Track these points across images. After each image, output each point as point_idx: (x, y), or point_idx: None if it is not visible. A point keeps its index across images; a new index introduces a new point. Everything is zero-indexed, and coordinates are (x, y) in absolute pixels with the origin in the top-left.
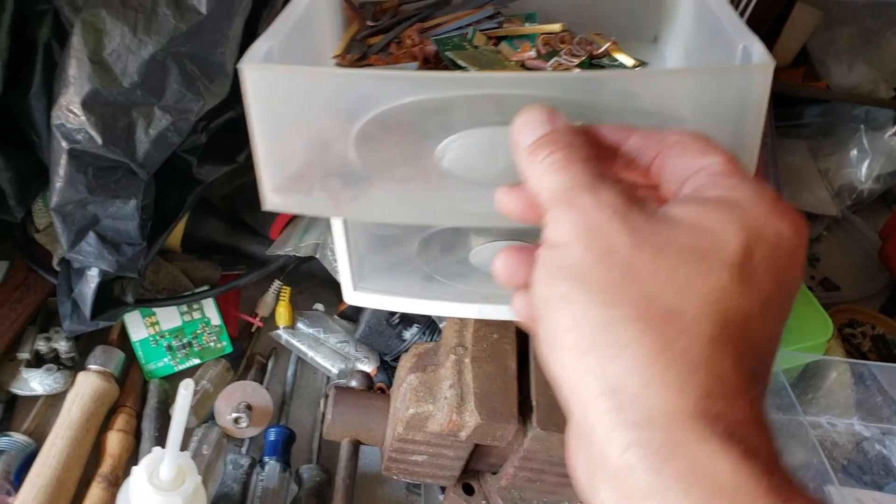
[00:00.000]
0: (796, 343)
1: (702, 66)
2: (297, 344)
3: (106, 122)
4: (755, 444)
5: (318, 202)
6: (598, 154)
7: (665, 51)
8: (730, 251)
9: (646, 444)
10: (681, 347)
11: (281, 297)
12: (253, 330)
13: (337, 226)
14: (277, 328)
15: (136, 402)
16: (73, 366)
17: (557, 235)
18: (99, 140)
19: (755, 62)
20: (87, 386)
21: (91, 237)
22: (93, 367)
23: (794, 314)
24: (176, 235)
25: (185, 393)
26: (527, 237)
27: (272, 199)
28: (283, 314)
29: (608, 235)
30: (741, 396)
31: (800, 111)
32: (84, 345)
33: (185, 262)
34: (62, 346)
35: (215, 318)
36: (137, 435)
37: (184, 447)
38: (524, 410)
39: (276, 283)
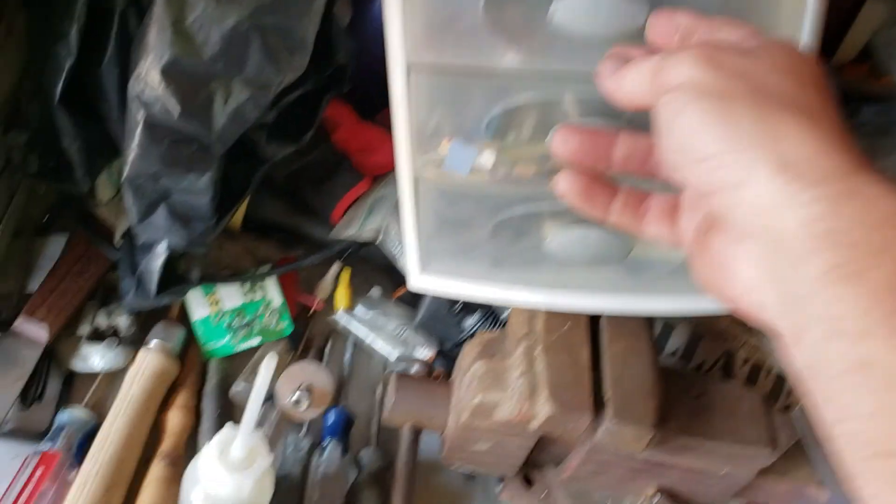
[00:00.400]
0: None
1: None
2: (356, 328)
3: (184, 92)
4: None
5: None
6: None
7: None
8: (809, 74)
9: (826, 196)
10: (826, 125)
11: (340, 281)
12: (310, 313)
13: (407, 206)
14: (335, 311)
15: (197, 380)
16: (133, 342)
17: (684, 71)
18: (176, 111)
19: None
20: (148, 363)
21: (161, 211)
22: (153, 343)
23: None
24: (237, 214)
25: (269, 365)
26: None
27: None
28: (341, 297)
29: (729, 60)
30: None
31: (857, 109)
32: (144, 321)
33: (245, 240)
34: (122, 321)
35: (277, 299)
36: (197, 414)
37: None
38: (596, 403)
39: (336, 266)
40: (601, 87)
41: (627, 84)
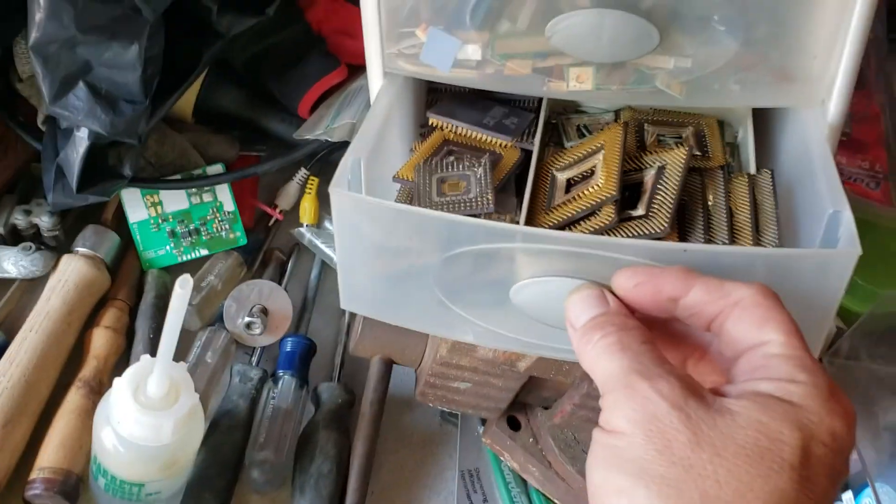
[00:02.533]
0: None
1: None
2: (322, 246)
3: None
4: None
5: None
6: (653, 332)
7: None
8: (788, 452)
9: None
10: None
11: (307, 190)
12: (271, 224)
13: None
14: (301, 225)
15: (130, 295)
16: (57, 247)
17: (615, 422)
18: None
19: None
20: (72, 271)
21: (81, 89)
22: (80, 250)
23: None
24: (187, 102)
25: (182, 293)
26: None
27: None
28: (307, 209)
29: (668, 429)
30: None
31: None
32: (72, 224)
33: (195, 134)
34: (44, 221)
35: (229, 203)
36: (129, 335)
37: (184, 353)
38: None
39: (302, 172)
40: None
41: (590, 354)
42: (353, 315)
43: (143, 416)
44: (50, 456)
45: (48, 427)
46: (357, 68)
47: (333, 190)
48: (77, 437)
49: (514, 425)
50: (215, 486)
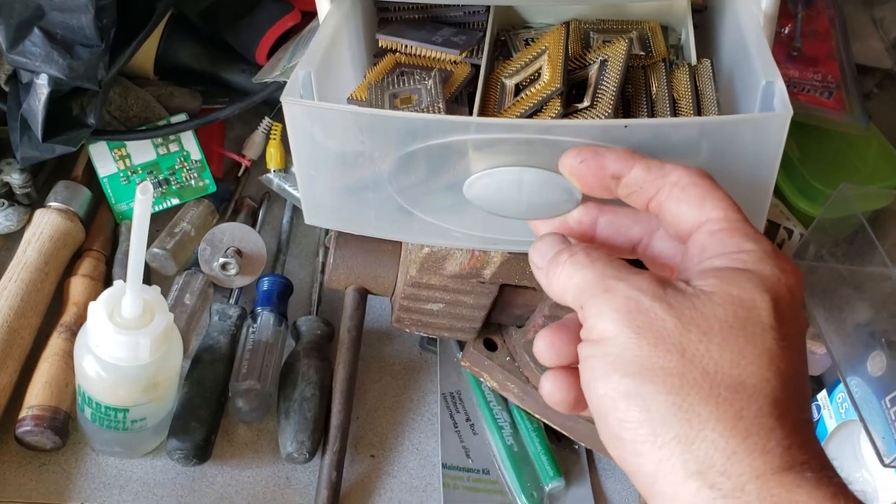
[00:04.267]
0: (867, 184)
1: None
2: (291, 190)
3: None
4: (836, 481)
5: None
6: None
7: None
8: (764, 315)
9: None
10: (753, 413)
11: (272, 136)
12: (240, 173)
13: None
14: (268, 171)
15: (106, 246)
16: (31, 203)
17: (602, 327)
18: None
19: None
20: (46, 224)
21: (36, 35)
22: (53, 204)
23: (861, 157)
24: (147, 57)
25: (143, 199)
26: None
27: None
28: (274, 155)
29: (655, 321)
30: (812, 441)
31: None
32: (44, 182)
33: (158, 87)
34: (15, 178)
35: (195, 153)
36: (107, 282)
37: (163, 295)
38: None
39: (266, 121)
40: (535, 273)
41: (561, 275)
42: (326, 253)
43: (121, 336)
44: (38, 395)
45: (34, 372)
46: (310, 15)
47: (285, 99)
48: (63, 377)
49: (490, 346)
50: (200, 415)
